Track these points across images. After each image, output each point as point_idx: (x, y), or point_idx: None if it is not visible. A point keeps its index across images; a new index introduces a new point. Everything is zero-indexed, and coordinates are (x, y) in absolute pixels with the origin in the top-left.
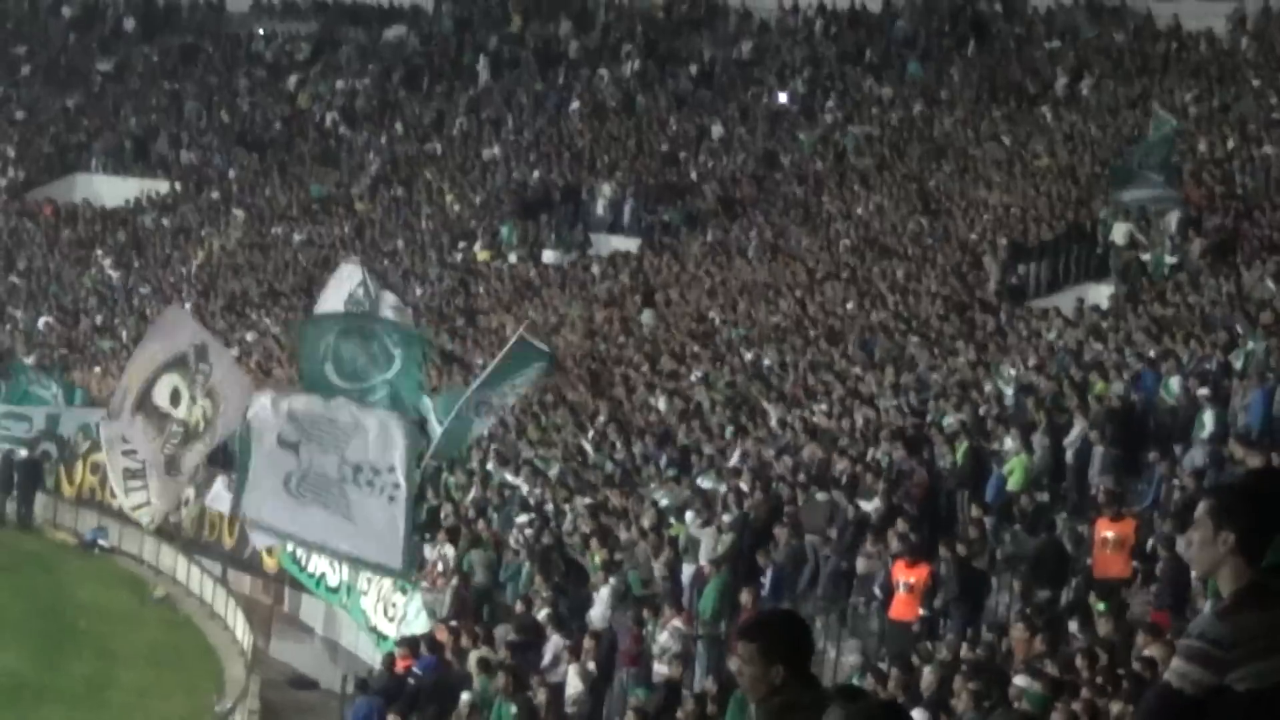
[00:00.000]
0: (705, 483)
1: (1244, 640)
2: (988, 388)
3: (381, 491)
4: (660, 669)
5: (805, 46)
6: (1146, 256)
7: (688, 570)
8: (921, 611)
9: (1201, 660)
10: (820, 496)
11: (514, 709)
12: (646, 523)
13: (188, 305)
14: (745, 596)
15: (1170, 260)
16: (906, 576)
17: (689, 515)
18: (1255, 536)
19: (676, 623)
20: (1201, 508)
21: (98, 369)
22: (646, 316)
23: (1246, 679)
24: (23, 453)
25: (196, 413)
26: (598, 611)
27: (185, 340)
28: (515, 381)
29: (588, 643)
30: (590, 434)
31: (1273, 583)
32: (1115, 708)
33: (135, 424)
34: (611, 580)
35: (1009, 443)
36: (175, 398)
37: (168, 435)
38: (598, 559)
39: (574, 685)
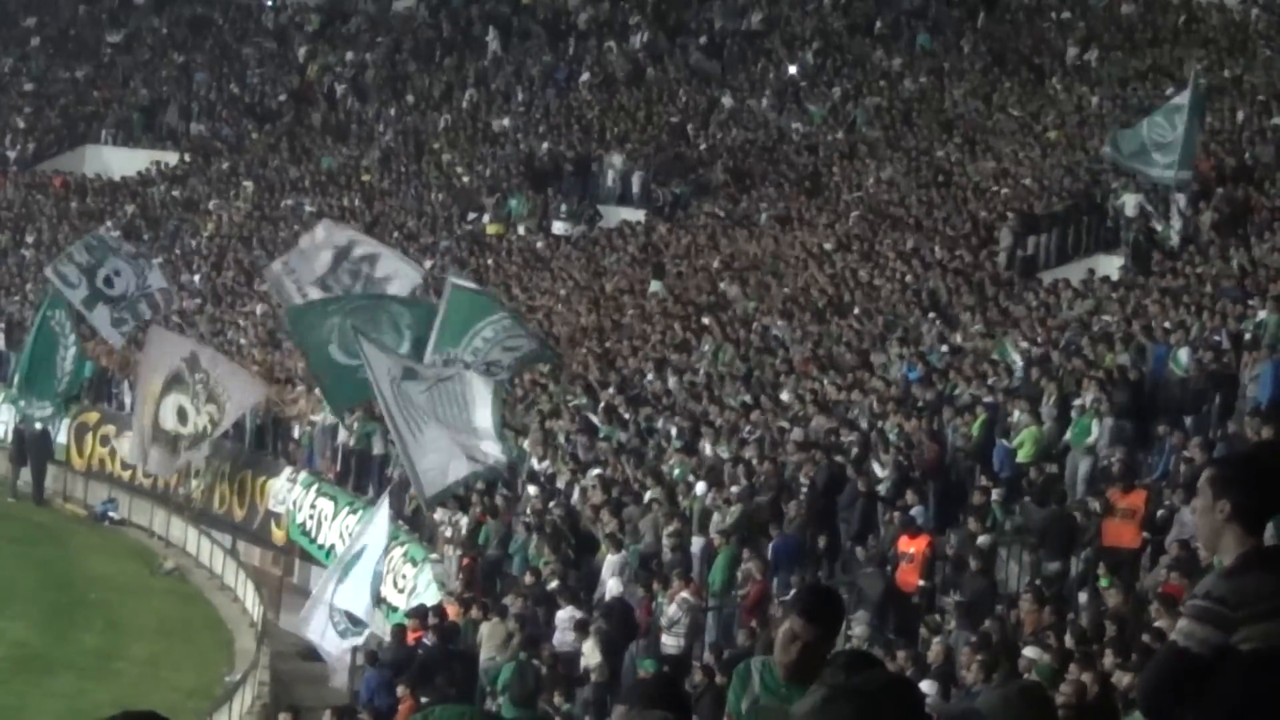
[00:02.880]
0: (714, 454)
1: (1249, 600)
2: (996, 357)
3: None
4: (668, 640)
5: (815, 18)
6: (1157, 227)
7: (698, 542)
8: (921, 582)
9: (1209, 619)
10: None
11: (511, 668)
12: (654, 495)
13: (196, 276)
14: (754, 567)
15: (1179, 231)
16: (907, 547)
17: (699, 487)
18: (1252, 506)
19: (685, 594)
20: (1202, 477)
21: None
22: (657, 287)
23: (1251, 639)
24: (35, 427)
25: (203, 420)
26: (609, 583)
27: (175, 356)
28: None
29: (599, 614)
30: (600, 405)
31: (1276, 550)
32: (1125, 679)
33: (152, 456)
34: (622, 552)
35: (1018, 415)
36: (182, 416)
37: (180, 450)
38: (607, 531)
39: (592, 656)
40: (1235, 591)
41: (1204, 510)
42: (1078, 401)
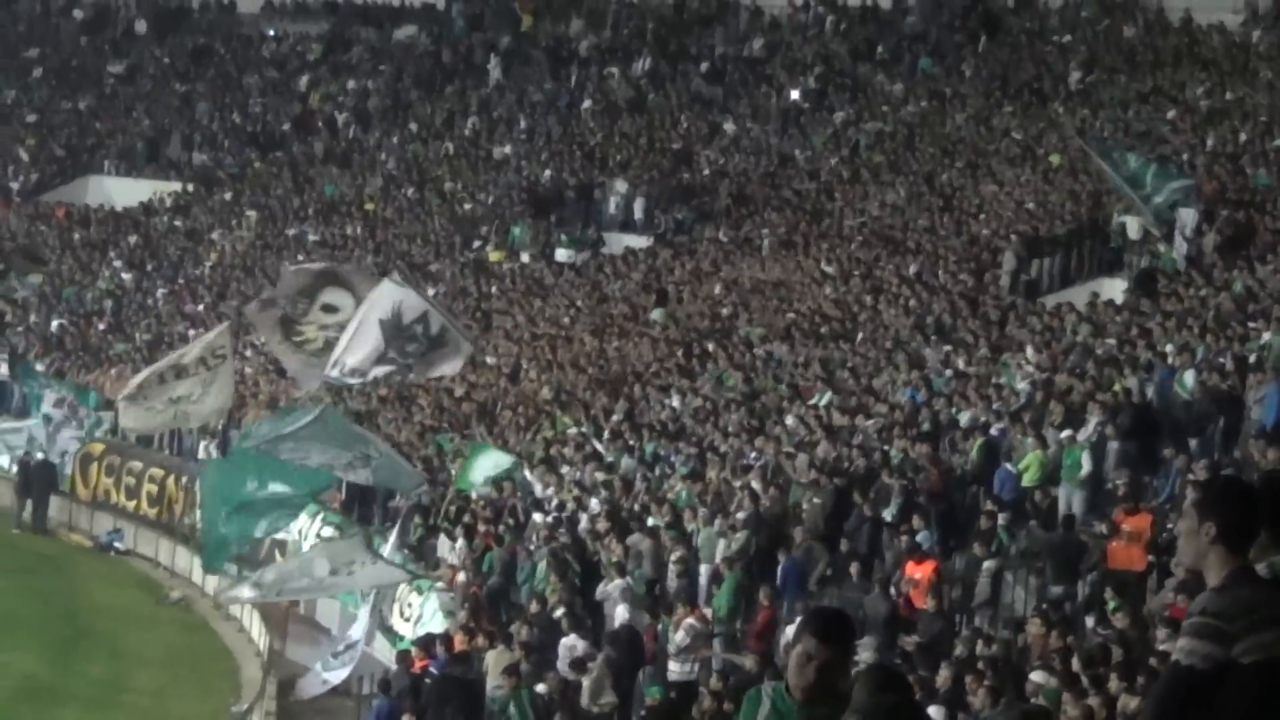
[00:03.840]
0: (719, 480)
1: (1243, 612)
2: (1002, 382)
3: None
4: (674, 667)
5: (816, 43)
6: (1161, 250)
7: (705, 569)
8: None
9: (1208, 635)
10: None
11: (512, 708)
12: (660, 521)
13: (200, 306)
14: (762, 593)
15: (1184, 254)
16: (913, 572)
17: (703, 513)
18: (1237, 527)
19: (690, 620)
20: (1188, 500)
21: (113, 371)
22: (658, 315)
23: (1250, 651)
24: (38, 455)
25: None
26: (616, 610)
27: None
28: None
29: (608, 642)
30: (606, 433)
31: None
32: (1133, 703)
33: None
34: (627, 580)
35: (1021, 438)
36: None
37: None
38: (614, 558)
39: (601, 683)
40: (1230, 605)
41: (1189, 533)
42: (1066, 433)
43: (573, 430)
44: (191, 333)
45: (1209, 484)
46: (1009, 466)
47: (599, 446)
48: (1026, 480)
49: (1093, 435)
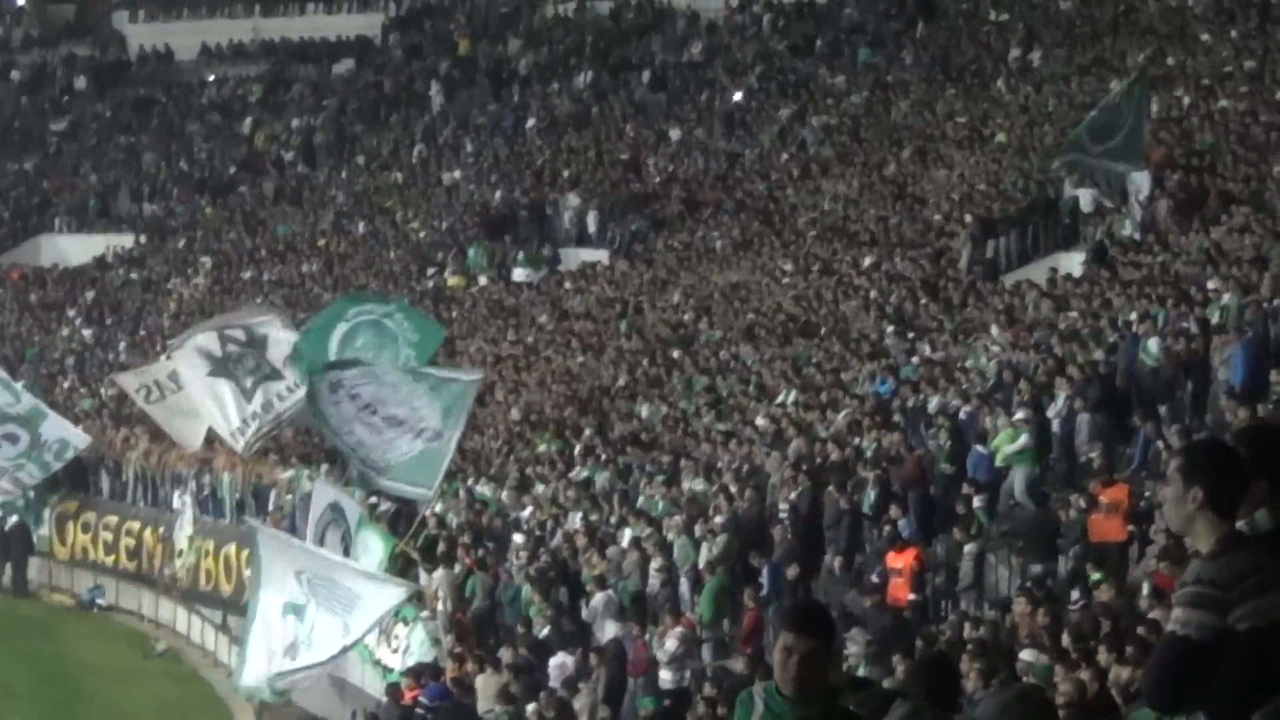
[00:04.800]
0: (695, 486)
1: (1238, 579)
2: (969, 364)
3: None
4: (666, 676)
5: (755, 42)
6: (1115, 221)
7: (686, 576)
8: (912, 596)
9: (1202, 604)
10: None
11: None
12: (639, 532)
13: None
14: (746, 595)
15: (1138, 221)
16: (895, 562)
17: (679, 520)
18: (1223, 492)
19: (678, 629)
20: (1172, 465)
21: (80, 428)
22: (622, 327)
23: (1246, 618)
24: (12, 519)
25: None
26: (601, 625)
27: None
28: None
29: (595, 658)
30: (578, 448)
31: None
32: (1125, 673)
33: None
34: (609, 593)
35: (991, 420)
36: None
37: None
38: (595, 573)
39: (588, 700)
40: (1224, 573)
41: (1175, 499)
42: (1018, 415)
43: (543, 448)
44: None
45: (1192, 449)
46: (980, 449)
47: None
48: (1000, 461)
49: (1062, 411)
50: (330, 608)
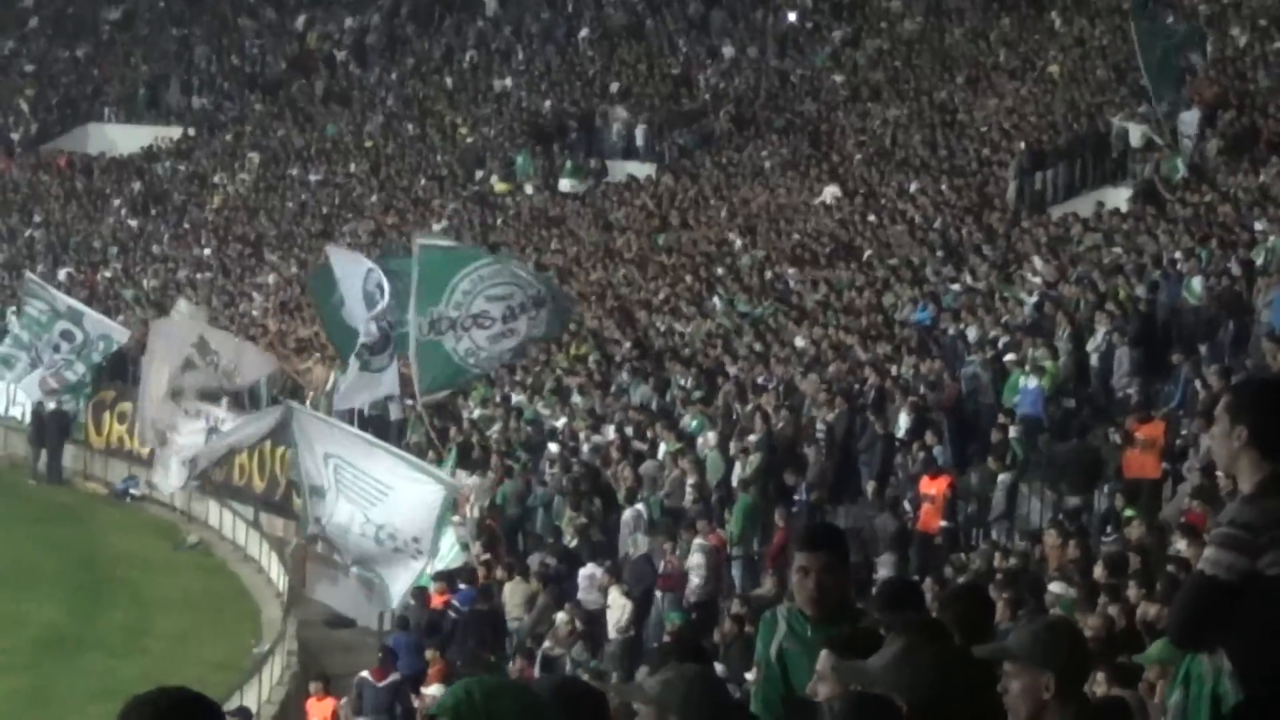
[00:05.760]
0: (734, 403)
1: (1272, 524)
2: (1006, 296)
3: (399, 552)
4: (695, 582)
5: None
6: (1164, 159)
7: (717, 492)
8: (944, 523)
9: (1234, 545)
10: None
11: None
12: (673, 447)
13: (206, 250)
14: (777, 515)
15: (1186, 160)
16: (928, 489)
17: (713, 437)
18: (1269, 431)
19: (702, 539)
20: (1220, 403)
21: (120, 318)
22: (660, 241)
23: (1277, 563)
24: (50, 405)
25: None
26: (630, 537)
27: (183, 344)
28: (461, 287)
29: (626, 569)
30: (616, 360)
31: None
32: (1152, 610)
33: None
34: (639, 507)
35: (1033, 352)
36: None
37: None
38: (627, 484)
39: (618, 611)
40: (1259, 517)
41: (1222, 436)
42: (1012, 356)
43: (588, 357)
44: (198, 277)
45: (1242, 386)
46: (1024, 380)
47: (611, 374)
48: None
49: (1101, 345)
50: (350, 497)
